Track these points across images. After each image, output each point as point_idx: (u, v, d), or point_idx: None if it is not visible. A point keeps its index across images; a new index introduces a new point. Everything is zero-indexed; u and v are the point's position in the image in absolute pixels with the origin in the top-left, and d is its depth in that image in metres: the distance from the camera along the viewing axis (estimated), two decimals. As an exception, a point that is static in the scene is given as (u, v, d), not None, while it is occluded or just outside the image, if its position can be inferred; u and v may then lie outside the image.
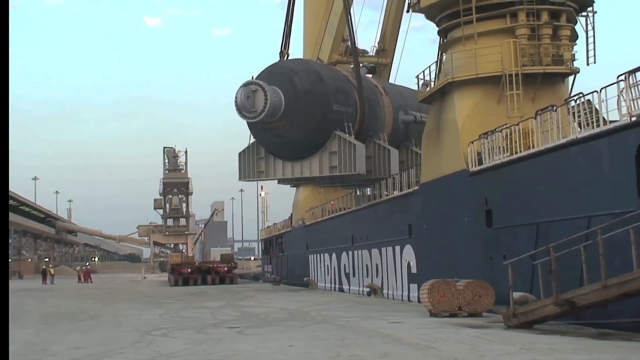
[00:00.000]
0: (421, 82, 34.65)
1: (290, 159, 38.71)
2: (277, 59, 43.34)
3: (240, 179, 40.24)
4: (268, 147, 38.92)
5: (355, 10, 53.52)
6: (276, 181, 48.00)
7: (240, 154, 39.95)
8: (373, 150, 39.72)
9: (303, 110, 36.51)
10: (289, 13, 44.28)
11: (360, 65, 45.82)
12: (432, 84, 33.62)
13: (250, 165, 39.57)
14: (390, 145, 40.46)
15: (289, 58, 42.59)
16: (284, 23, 44.17)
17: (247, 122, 37.52)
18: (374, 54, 52.09)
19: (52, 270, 77.37)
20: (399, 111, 43.22)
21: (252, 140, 39.48)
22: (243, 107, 35.60)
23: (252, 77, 36.67)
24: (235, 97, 35.78)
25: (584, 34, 29.81)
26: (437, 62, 33.73)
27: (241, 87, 35.82)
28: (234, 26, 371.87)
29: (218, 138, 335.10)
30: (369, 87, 41.51)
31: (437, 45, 38.05)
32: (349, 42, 50.07)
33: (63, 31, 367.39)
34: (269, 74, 37.45)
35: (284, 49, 43.17)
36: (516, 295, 19.59)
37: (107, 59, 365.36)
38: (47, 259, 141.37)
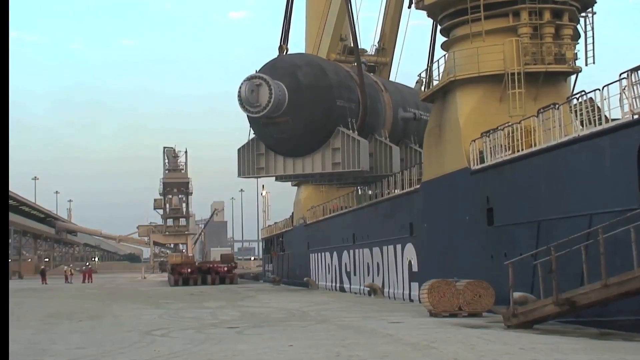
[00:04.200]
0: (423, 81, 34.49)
1: (292, 155, 37.97)
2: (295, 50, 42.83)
3: (239, 175, 39.45)
4: (269, 143, 38.15)
5: (354, 8, 53.64)
6: (276, 179, 46.95)
7: (239, 150, 39.13)
8: (375, 147, 39.19)
9: (307, 105, 35.81)
10: (287, 8, 43.92)
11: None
12: (425, 81, 33.61)
13: (250, 161, 38.72)
14: (390, 142, 40.05)
15: (289, 53, 41.98)
16: (283, 18, 43.78)
17: (249, 117, 36.78)
18: (373, 53, 51.99)
19: (70, 271, 77.52)
20: (398, 108, 42.77)
21: (252, 135, 38.67)
22: (247, 102, 34.85)
23: (256, 71, 36.03)
24: (239, 91, 35.02)
25: (584, 34, 29.78)
26: (429, 57, 33.66)
27: (245, 80, 35.07)
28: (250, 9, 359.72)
29: (218, 136, 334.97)
30: (369, 83, 40.99)
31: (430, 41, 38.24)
32: (348, 40, 49.98)
33: (61, 26, 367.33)
34: (272, 68, 36.68)
35: (283, 43, 42.58)
36: (516, 295, 19.52)
37: (107, 55, 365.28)
38: (47, 259, 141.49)
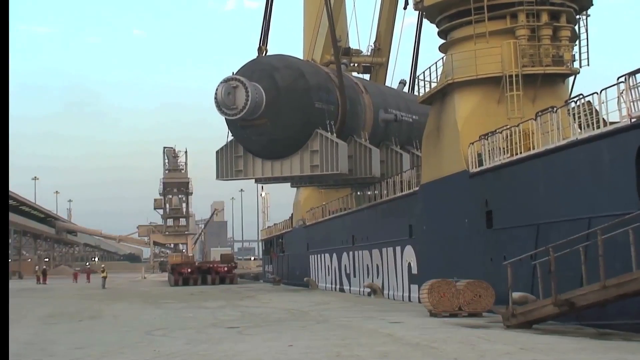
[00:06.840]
0: (422, 83, 34.41)
1: (270, 158, 37.48)
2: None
3: (217, 178, 38.93)
4: (247, 146, 37.69)
5: (349, 9, 53.86)
6: (255, 181, 45.87)
7: (217, 152, 38.66)
8: (354, 149, 38.80)
9: (285, 108, 35.39)
10: (267, 9, 43.61)
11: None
12: (409, 81, 33.62)
13: (228, 163, 38.21)
14: (370, 144, 39.57)
15: (268, 54, 41.60)
16: (263, 19, 43.06)
17: (226, 120, 36.31)
18: (369, 54, 51.92)
19: (104, 273, 62.23)
20: (379, 109, 42.26)
21: (230, 138, 38.20)
22: (223, 104, 34.39)
23: (233, 73, 35.71)
24: (215, 93, 34.52)
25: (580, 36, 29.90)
26: (413, 53, 33.32)
27: (221, 82, 34.62)
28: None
29: (217, 136, 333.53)
30: (349, 85, 40.52)
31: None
32: (342, 40, 50.02)
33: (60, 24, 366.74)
34: (250, 70, 36.26)
35: (263, 45, 41.75)
36: (516, 295, 19.61)
37: (108, 53, 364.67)
38: (47, 259, 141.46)
